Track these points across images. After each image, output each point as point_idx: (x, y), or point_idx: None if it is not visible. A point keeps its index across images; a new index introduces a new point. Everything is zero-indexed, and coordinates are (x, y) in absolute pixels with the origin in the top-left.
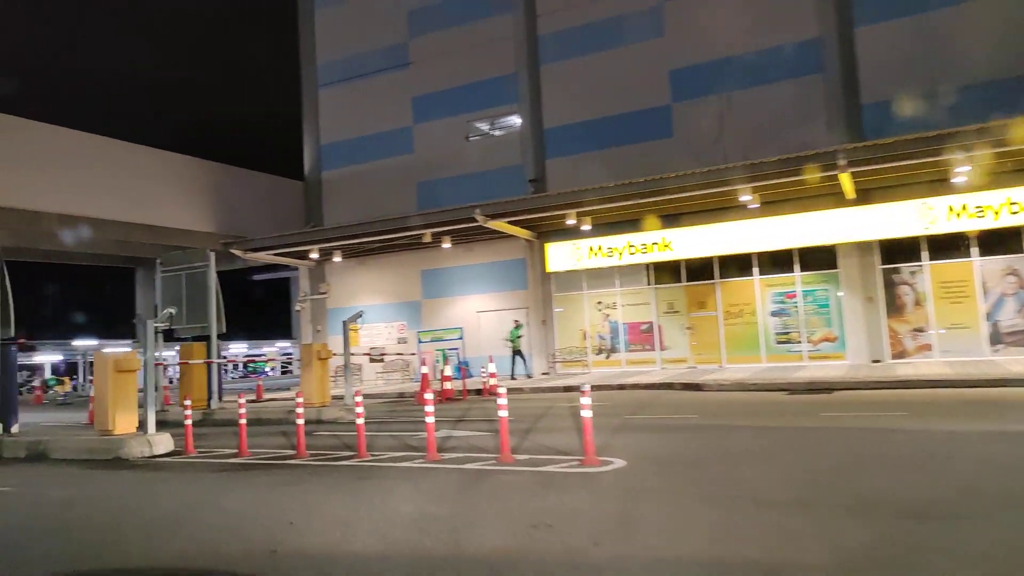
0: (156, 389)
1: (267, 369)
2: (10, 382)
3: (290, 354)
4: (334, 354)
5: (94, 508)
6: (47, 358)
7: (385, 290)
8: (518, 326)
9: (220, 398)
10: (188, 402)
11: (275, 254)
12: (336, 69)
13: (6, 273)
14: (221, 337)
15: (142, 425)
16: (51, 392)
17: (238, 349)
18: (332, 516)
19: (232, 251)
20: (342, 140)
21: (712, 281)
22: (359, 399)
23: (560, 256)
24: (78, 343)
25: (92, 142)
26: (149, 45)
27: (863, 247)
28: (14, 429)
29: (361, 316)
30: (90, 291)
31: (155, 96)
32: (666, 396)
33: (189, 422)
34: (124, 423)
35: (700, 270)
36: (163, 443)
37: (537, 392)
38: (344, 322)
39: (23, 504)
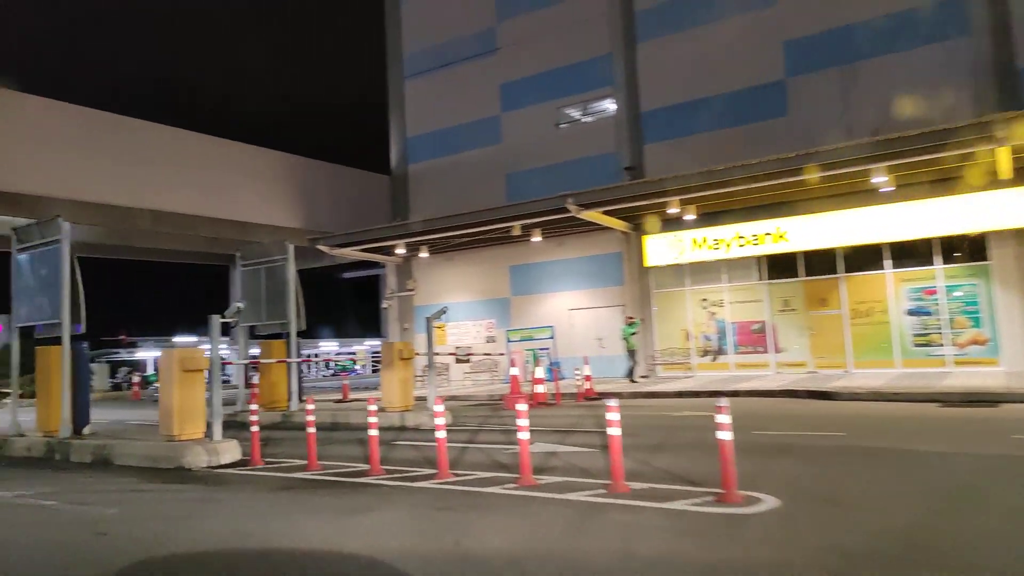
0: (233, 388)
1: (356, 367)
2: (81, 382)
3: (380, 353)
4: (418, 353)
5: (129, 535)
6: (149, 354)
7: (473, 287)
8: (632, 323)
9: (301, 399)
10: (254, 407)
11: (361, 250)
12: (422, 59)
13: (77, 267)
14: (308, 335)
15: (211, 429)
16: (150, 388)
17: (328, 347)
18: (398, 573)
19: (318, 247)
20: (428, 132)
21: (835, 276)
22: (440, 408)
23: (660, 249)
24: (178, 340)
25: (181, 137)
26: (235, 41)
27: (1021, 235)
28: (85, 431)
29: (444, 312)
30: (190, 289)
31: (241, 91)
32: (792, 406)
33: (255, 429)
34: (189, 428)
35: (821, 263)
36: (229, 451)
37: (638, 398)
38: (427, 319)
39: (57, 524)
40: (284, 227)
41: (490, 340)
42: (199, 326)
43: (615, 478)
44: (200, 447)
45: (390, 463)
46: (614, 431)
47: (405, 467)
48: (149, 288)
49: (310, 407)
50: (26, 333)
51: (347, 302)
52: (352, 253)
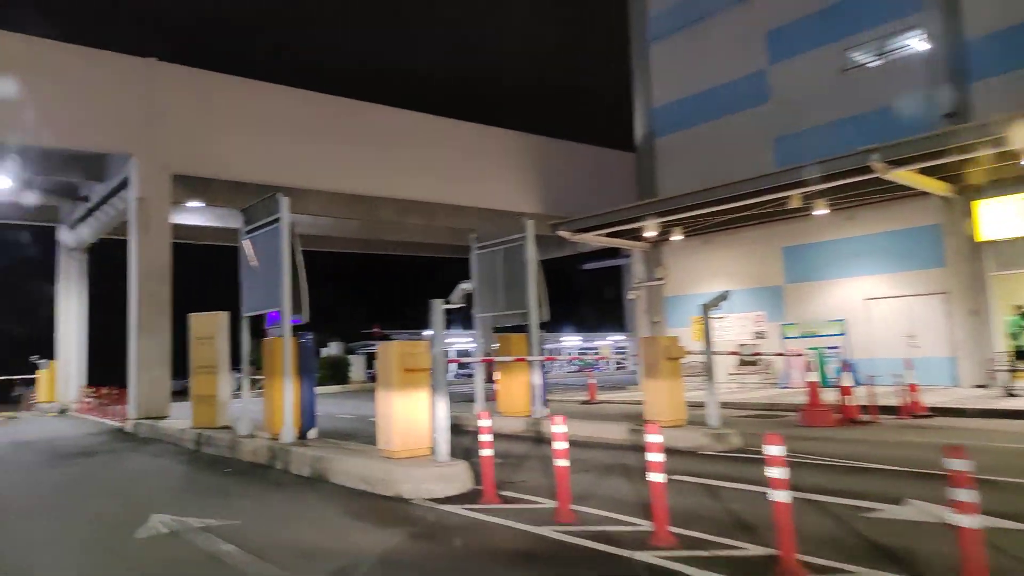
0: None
1: (600, 364)
2: (306, 379)
3: (624, 349)
4: (688, 352)
5: None
6: None
7: (735, 273)
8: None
9: (545, 402)
10: (484, 422)
11: (605, 234)
12: (668, 18)
13: (299, 250)
14: (549, 329)
15: (437, 446)
16: None
17: (570, 342)
18: None
19: (559, 233)
20: (677, 99)
21: None
22: (778, 449)
23: (1001, 217)
24: (427, 333)
25: (422, 121)
26: (462, 18)
27: None
28: (310, 435)
29: (726, 299)
30: (441, 282)
31: (471, 69)
32: None
33: (488, 453)
34: (411, 443)
35: None
36: (457, 478)
37: (992, 417)
38: (703, 306)
39: None
40: (524, 212)
41: (759, 336)
42: (448, 319)
43: None
44: (422, 471)
45: (679, 521)
46: None
47: (705, 533)
48: (402, 281)
49: (559, 428)
50: (257, 323)
51: (587, 295)
52: (595, 239)
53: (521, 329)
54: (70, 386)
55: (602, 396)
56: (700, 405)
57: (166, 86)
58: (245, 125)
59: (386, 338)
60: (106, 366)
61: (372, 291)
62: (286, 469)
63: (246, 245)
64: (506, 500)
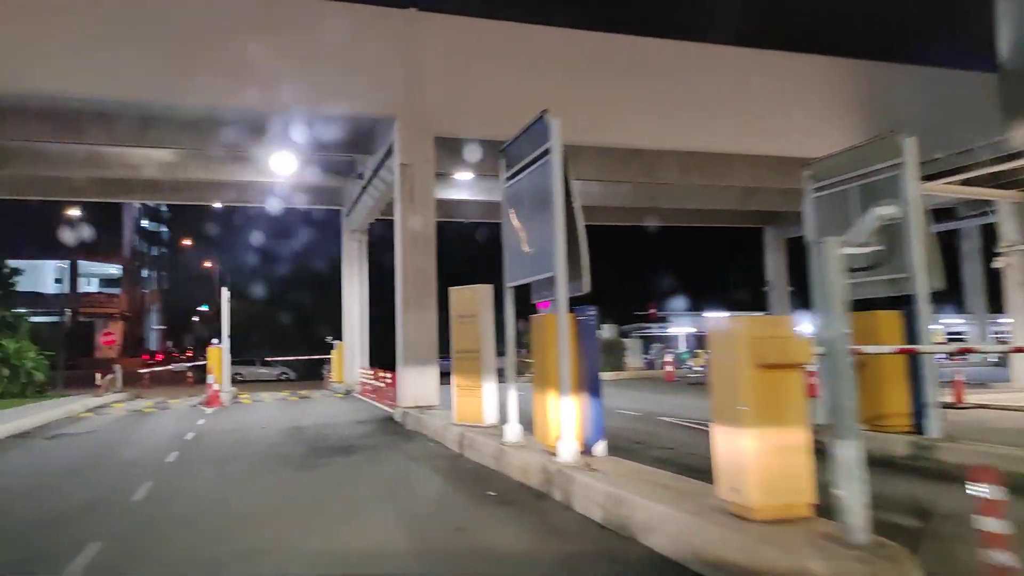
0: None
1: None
2: (589, 371)
3: (958, 334)
4: None
5: None
6: (681, 330)
7: None
8: None
9: (942, 416)
10: (988, 489)
11: (959, 182)
12: None
13: (575, 193)
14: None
15: (842, 508)
16: (683, 367)
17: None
18: None
19: None
20: None
21: None
22: None
23: None
24: (709, 314)
25: (707, 53)
26: None
27: None
28: (597, 449)
29: None
30: (718, 259)
31: None
32: None
33: (1007, 560)
34: (781, 493)
35: None
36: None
37: None
38: None
39: None
40: None
41: None
42: (730, 301)
43: None
44: (829, 567)
45: None
46: None
47: None
48: (679, 258)
49: None
50: (523, 298)
51: None
52: (944, 188)
53: (899, 303)
54: (354, 367)
55: (972, 394)
56: None
57: (425, 39)
58: (508, 75)
59: (663, 320)
60: (388, 348)
61: (644, 269)
62: (567, 504)
63: (511, 216)
64: None
